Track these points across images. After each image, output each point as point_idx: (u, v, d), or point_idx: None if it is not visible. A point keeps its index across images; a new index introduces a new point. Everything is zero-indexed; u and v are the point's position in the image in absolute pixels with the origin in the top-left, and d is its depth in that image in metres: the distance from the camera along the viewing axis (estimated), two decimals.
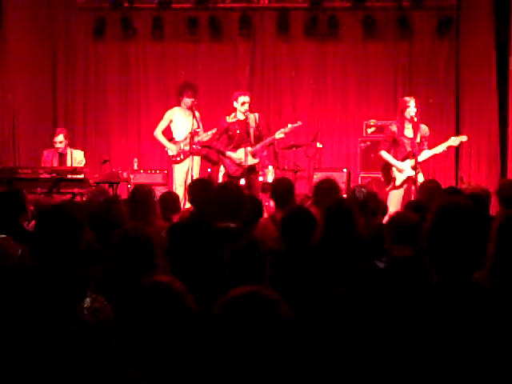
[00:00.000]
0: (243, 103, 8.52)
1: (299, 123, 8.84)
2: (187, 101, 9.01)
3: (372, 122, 10.21)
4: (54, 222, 3.17)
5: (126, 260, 3.31)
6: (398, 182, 8.22)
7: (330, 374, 2.34)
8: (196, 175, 8.87)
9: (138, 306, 2.28)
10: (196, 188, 5.48)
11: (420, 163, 8.11)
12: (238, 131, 8.60)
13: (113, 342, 2.83)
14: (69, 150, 9.21)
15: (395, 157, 8.29)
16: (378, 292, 2.55)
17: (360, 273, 3.47)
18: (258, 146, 8.63)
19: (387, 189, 8.31)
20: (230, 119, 8.62)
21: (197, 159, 9.00)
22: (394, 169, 8.28)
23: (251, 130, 8.62)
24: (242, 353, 1.87)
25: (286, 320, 1.90)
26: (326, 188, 5.51)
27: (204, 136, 8.92)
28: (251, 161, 8.58)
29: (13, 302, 2.26)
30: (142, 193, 5.44)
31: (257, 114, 8.74)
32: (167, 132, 9.27)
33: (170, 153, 9.17)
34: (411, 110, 8.21)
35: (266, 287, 1.98)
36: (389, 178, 8.32)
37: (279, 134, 8.61)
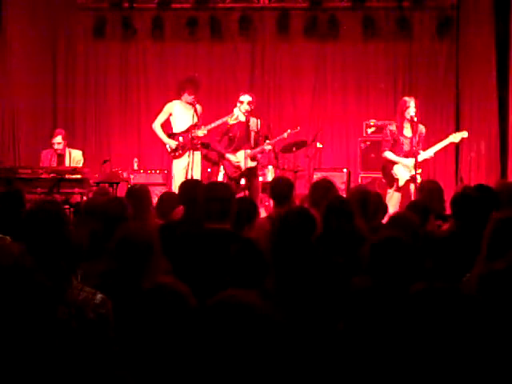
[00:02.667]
0: (243, 102, 8.51)
1: (298, 129, 8.84)
2: (188, 97, 8.95)
3: (372, 122, 10.21)
4: (31, 220, 3.22)
5: (127, 260, 3.30)
6: (401, 183, 8.20)
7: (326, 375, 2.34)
8: (197, 173, 8.81)
9: (141, 308, 2.28)
10: (185, 188, 5.46)
11: (420, 163, 8.11)
12: (238, 133, 8.60)
13: (113, 336, 2.84)
14: (67, 150, 9.20)
15: None
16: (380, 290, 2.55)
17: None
18: (258, 149, 8.64)
19: (391, 190, 8.26)
20: (231, 121, 8.60)
21: (197, 158, 8.90)
22: (395, 170, 8.24)
23: (252, 134, 8.62)
24: (228, 353, 1.90)
25: (268, 324, 1.94)
26: (323, 188, 5.51)
27: (198, 132, 8.78)
28: (250, 163, 8.58)
29: (10, 300, 2.26)
30: (137, 192, 5.46)
31: (259, 120, 8.73)
32: (166, 126, 9.15)
33: (169, 148, 9.03)
34: (411, 110, 8.20)
35: (249, 292, 2.02)
36: (391, 179, 8.27)
37: (267, 146, 8.63)
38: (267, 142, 8.64)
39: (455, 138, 8.43)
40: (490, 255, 3.28)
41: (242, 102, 8.51)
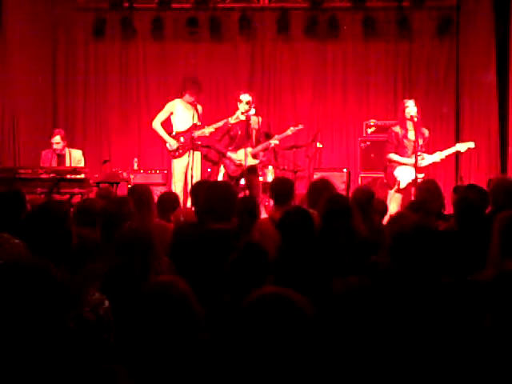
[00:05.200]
0: (242, 101, 8.52)
1: (300, 126, 8.84)
2: (189, 98, 8.95)
3: (372, 121, 10.21)
4: (34, 219, 3.23)
5: (126, 260, 3.30)
6: (402, 185, 8.20)
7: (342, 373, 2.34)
8: (197, 173, 8.81)
9: (141, 306, 2.27)
10: (199, 189, 5.49)
11: (424, 167, 8.12)
12: (239, 132, 8.60)
13: (112, 337, 2.83)
14: (67, 150, 9.18)
15: None
16: (382, 290, 2.55)
17: (361, 270, 3.47)
18: (259, 147, 8.64)
19: (391, 191, 8.27)
20: (232, 120, 8.61)
21: (197, 158, 8.93)
22: (397, 171, 8.24)
23: (253, 132, 8.63)
24: (268, 352, 1.88)
25: (312, 321, 1.92)
26: (321, 188, 5.51)
27: (201, 132, 8.79)
28: (251, 161, 8.58)
29: (14, 299, 2.25)
30: (139, 192, 5.47)
31: (260, 118, 8.74)
32: (166, 125, 9.15)
33: (170, 147, 9.03)
34: (410, 109, 8.22)
35: (290, 289, 2.00)
36: (393, 180, 8.29)
37: (274, 141, 8.63)
38: (276, 136, 8.64)
39: (462, 147, 8.44)
40: (505, 254, 3.28)
41: (241, 102, 8.52)
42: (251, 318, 1.93)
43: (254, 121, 8.64)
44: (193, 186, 5.58)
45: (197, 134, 8.76)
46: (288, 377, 1.88)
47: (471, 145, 8.45)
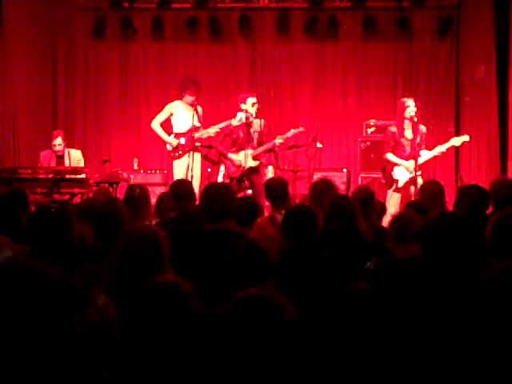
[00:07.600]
0: (253, 104, 8.54)
1: (301, 129, 8.85)
2: (189, 98, 8.95)
3: (372, 121, 10.21)
4: (37, 220, 3.22)
5: (132, 261, 3.29)
6: (400, 184, 8.18)
7: (335, 373, 2.34)
8: (197, 174, 8.82)
9: (143, 306, 2.27)
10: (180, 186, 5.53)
11: (420, 165, 8.10)
12: (241, 134, 8.61)
13: (117, 340, 2.83)
14: (66, 151, 9.17)
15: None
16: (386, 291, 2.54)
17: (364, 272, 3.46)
18: (260, 149, 8.64)
19: (390, 190, 8.26)
20: (234, 122, 8.60)
21: (197, 157, 8.93)
22: (395, 171, 8.22)
23: (255, 135, 8.64)
24: (246, 354, 1.88)
25: (292, 323, 1.92)
26: (322, 188, 5.51)
27: (204, 133, 8.82)
28: (251, 163, 8.58)
29: (16, 301, 2.25)
30: (136, 192, 5.48)
31: (263, 121, 8.75)
32: (166, 126, 9.16)
33: (169, 147, 9.05)
34: (411, 109, 8.19)
35: (272, 290, 2.00)
36: (391, 180, 8.27)
37: (279, 140, 8.63)
38: (278, 136, 8.65)
39: (456, 141, 8.41)
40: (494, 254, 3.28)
41: (253, 105, 8.54)
42: (231, 321, 1.93)
43: (257, 123, 8.65)
44: (171, 185, 5.68)
45: (197, 134, 8.77)
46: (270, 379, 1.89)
47: (466, 138, 8.43)
